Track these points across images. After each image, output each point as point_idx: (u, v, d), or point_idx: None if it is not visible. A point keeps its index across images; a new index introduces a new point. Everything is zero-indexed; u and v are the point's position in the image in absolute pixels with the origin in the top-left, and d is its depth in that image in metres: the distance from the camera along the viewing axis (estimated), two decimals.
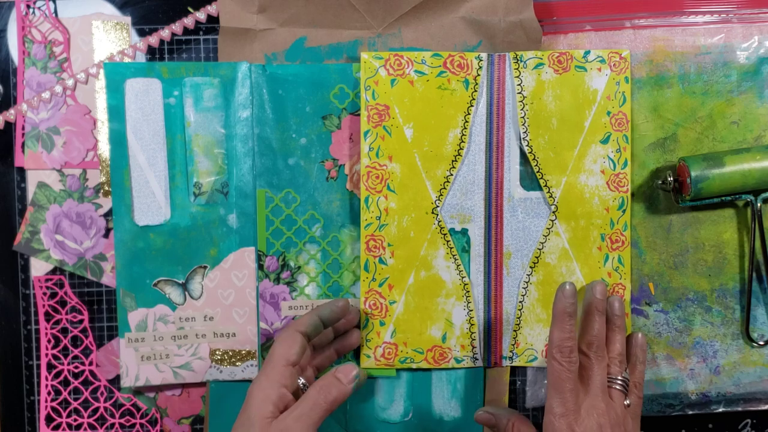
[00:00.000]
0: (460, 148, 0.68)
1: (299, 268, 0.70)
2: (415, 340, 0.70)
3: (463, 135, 0.68)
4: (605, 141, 0.69)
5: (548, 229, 0.69)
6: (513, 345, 0.70)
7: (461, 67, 0.68)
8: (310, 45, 0.70)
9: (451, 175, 0.69)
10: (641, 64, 0.70)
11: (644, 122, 0.71)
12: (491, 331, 0.70)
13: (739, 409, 0.72)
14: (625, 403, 0.63)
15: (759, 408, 0.72)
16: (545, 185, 0.69)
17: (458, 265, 0.69)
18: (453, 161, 0.68)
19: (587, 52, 0.68)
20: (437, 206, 0.69)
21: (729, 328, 0.72)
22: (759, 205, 0.69)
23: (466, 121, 0.68)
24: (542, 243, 0.69)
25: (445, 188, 0.69)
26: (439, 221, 0.69)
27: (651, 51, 0.70)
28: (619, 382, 0.63)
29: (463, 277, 0.69)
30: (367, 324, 0.69)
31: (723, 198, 0.68)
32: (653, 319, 0.72)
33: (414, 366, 0.70)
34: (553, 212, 0.69)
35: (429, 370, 0.71)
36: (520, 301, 0.70)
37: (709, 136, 0.71)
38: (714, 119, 0.71)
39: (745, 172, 0.66)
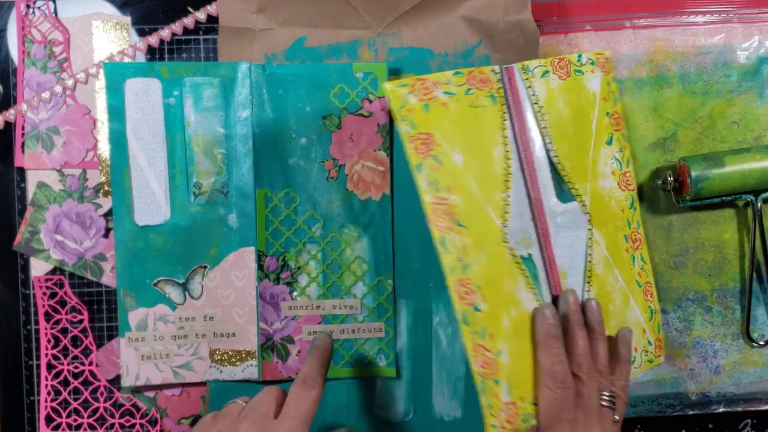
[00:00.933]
0: (508, 166, 0.62)
1: (299, 268, 0.70)
2: (528, 391, 0.60)
3: (507, 152, 0.62)
4: (610, 142, 0.66)
5: (590, 239, 0.64)
6: None
7: (483, 82, 0.63)
8: (310, 45, 0.70)
9: (508, 196, 0.62)
10: (641, 64, 0.70)
11: (644, 122, 0.71)
12: None
13: (739, 409, 0.72)
14: (614, 418, 0.59)
15: (759, 408, 0.73)
16: (577, 194, 0.64)
17: (535, 294, 0.62)
18: (506, 181, 0.62)
19: (580, 56, 0.66)
20: (506, 233, 0.61)
21: (729, 328, 0.72)
22: (759, 205, 0.69)
23: (505, 137, 0.63)
24: (590, 255, 0.64)
25: (506, 212, 0.62)
26: (511, 249, 0.61)
27: (651, 51, 0.70)
28: (606, 397, 0.58)
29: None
30: (485, 387, 0.59)
31: (723, 198, 0.68)
32: None
33: (534, 422, 0.60)
34: (589, 221, 0.64)
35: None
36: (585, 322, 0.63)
37: (710, 136, 0.71)
38: (714, 119, 0.71)
39: (745, 172, 0.66)
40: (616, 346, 0.62)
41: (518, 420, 0.60)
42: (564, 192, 0.64)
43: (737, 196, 0.68)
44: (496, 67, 0.64)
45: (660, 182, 0.69)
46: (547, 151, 0.64)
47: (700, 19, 0.71)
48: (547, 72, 0.65)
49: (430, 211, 0.60)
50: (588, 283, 0.64)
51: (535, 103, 0.64)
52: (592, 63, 0.66)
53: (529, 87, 0.64)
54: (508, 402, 0.60)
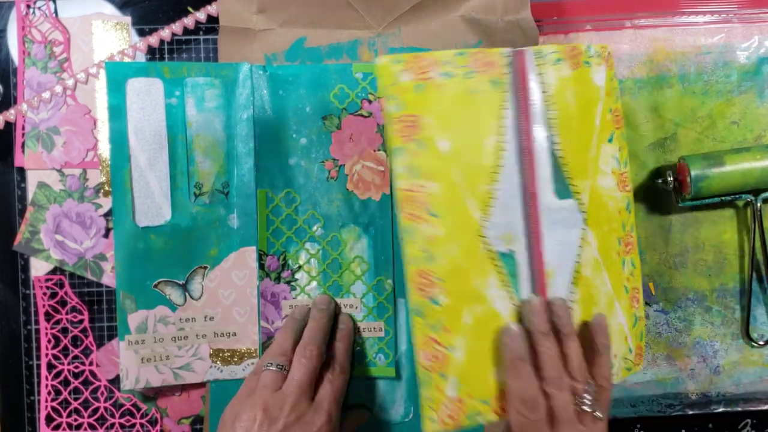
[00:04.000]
0: (499, 158, 0.59)
1: (300, 267, 0.70)
2: (479, 389, 0.58)
3: (500, 143, 0.59)
4: (611, 140, 0.64)
5: (582, 239, 0.61)
6: None
7: (488, 65, 0.58)
8: (310, 45, 0.70)
9: (494, 189, 0.59)
10: (641, 64, 0.70)
11: (644, 122, 0.71)
12: None
13: (739, 409, 0.72)
14: (595, 415, 0.55)
15: (759, 408, 0.73)
16: (575, 191, 0.61)
17: (510, 294, 0.59)
18: (493, 173, 0.58)
19: (589, 47, 0.62)
20: (484, 227, 0.58)
21: (729, 328, 0.72)
22: (759, 205, 0.69)
23: (501, 126, 0.59)
24: (578, 255, 0.61)
25: (488, 205, 0.58)
26: (487, 244, 0.58)
27: (651, 51, 0.70)
28: (586, 401, 0.55)
29: (517, 307, 0.59)
30: (427, 380, 0.58)
31: (723, 198, 0.68)
32: (653, 319, 0.72)
33: (482, 420, 0.58)
34: (584, 220, 0.61)
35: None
36: None
37: (709, 136, 0.71)
38: (714, 119, 0.71)
39: (745, 171, 0.66)
40: (593, 337, 0.58)
41: (463, 416, 0.58)
42: (562, 188, 0.61)
43: (737, 196, 0.68)
44: (507, 50, 0.59)
45: (660, 182, 0.69)
46: (551, 143, 0.60)
47: (700, 19, 0.71)
48: (560, 59, 0.61)
49: (402, 197, 0.57)
50: (574, 284, 0.60)
51: (545, 92, 0.60)
52: (599, 55, 0.62)
53: (540, 74, 0.60)
54: (454, 398, 0.58)
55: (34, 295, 0.72)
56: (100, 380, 0.72)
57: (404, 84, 0.57)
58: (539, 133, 0.60)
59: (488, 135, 0.58)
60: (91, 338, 0.72)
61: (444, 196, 0.58)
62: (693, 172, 0.66)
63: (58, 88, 0.71)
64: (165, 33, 0.72)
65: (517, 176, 0.59)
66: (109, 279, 0.71)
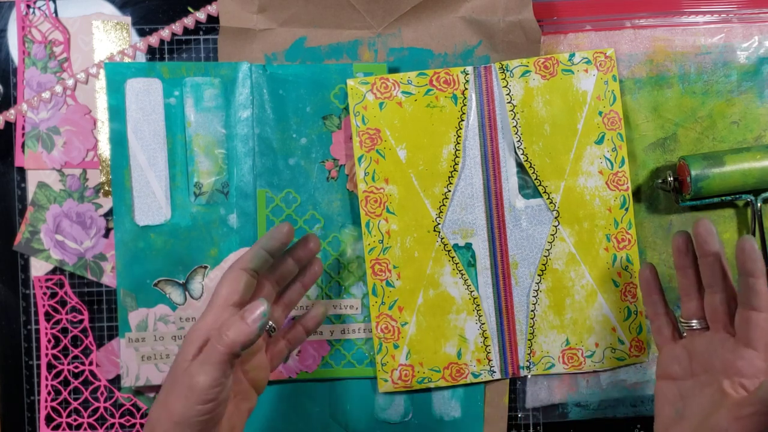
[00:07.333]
0: (455, 164, 0.68)
1: None
2: (430, 359, 0.69)
3: (457, 150, 0.68)
4: (600, 141, 0.69)
5: (552, 235, 0.69)
6: (529, 354, 0.70)
7: (448, 83, 0.68)
8: (310, 45, 0.70)
9: (449, 191, 0.69)
10: (641, 64, 0.70)
11: (644, 122, 0.71)
12: (506, 343, 0.70)
13: None
14: None
15: None
16: (544, 191, 0.69)
17: (465, 280, 0.69)
18: (449, 177, 0.69)
19: (572, 55, 0.68)
20: (438, 224, 0.69)
21: None
22: (759, 205, 0.69)
23: (459, 137, 0.68)
24: (548, 250, 0.69)
25: (444, 205, 0.69)
26: (442, 238, 0.69)
27: (651, 51, 0.70)
28: None
29: (471, 292, 0.69)
30: (381, 348, 0.69)
31: (723, 198, 0.68)
32: None
33: (432, 385, 0.70)
34: (556, 218, 0.69)
35: (447, 388, 0.71)
36: (532, 310, 0.69)
37: (709, 136, 0.71)
38: (714, 119, 0.71)
39: (745, 171, 0.66)
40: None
41: (413, 380, 0.69)
42: (530, 188, 0.70)
43: (737, 196, 0.68)
44: (468, 68, 0.69)
45: (660, 182, 0.69)
46: (515, 149, 0.69)
47: (700, 19, 0.71)
48: (527, 71, 0.68)
49: (362, 197, 0.68)
50: (540, 275, 0.69)
51: (509, 102, 0.68)
52: (587, 62, 0.68)
53: (505, 86, 0.68)
54: (404, 364, 0.69)
55: (34, 295, 0.72)
56: (100, 380, 0.72)
57: (369, 102, 0.68)
58: (504, 140, 0.69)
59: (445, 144, 0.69)
60: (91, 338, 0.72)
61: (402, 197, 0.69)
62: (693, 172, 0.66)
63: (58, 88, 0.71)
64: (165, 33, 0.72)
65: (479, 179, 0.69)
66: (109, 279, 0.71)
